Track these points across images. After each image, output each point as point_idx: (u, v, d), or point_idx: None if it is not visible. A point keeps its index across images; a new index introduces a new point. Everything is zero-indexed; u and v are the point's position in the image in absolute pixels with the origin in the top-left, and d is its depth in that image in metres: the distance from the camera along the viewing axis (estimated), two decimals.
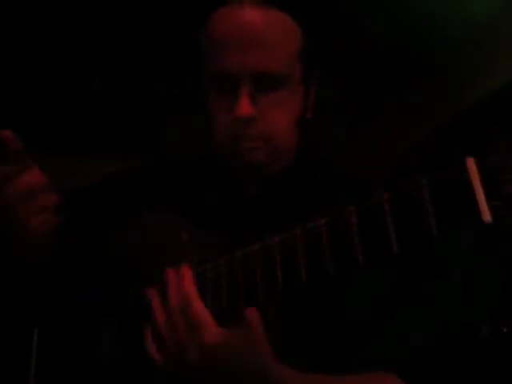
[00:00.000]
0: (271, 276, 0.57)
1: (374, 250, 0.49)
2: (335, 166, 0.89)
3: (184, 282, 0.62)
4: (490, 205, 0.42)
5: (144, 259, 0.73)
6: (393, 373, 0.67)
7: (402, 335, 0.69)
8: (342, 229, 0.52)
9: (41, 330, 0.78)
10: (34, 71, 2.68)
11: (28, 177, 0.68)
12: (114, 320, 0.74)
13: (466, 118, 2.57)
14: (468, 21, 2.48)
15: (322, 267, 0.53)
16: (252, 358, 0.59)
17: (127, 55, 2.61)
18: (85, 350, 0.76)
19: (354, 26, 2.49)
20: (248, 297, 0.60)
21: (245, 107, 0.73)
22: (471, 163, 0.44)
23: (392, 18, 2.45)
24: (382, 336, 0.69)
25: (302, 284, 0.55)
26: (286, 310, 0.69)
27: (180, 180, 0.88)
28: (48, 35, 2.43)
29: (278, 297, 0.58)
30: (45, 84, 2.79)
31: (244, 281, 0.60)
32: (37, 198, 0.68)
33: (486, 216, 0.42)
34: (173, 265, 0.66)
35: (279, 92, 0.76)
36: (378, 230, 0.49)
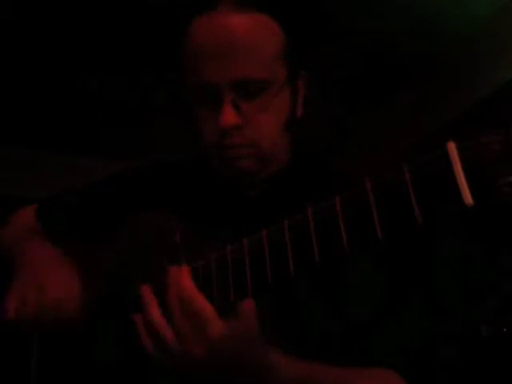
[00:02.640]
0: (260, 268, 0.58)
1: (360, 237, 0.50)
2: (334, 165, 0.89)
3: (183, 278, 0.62)
4: (472, 188, 0.42)
5: (140, 260, 0.73)
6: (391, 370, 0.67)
7: (402, 336, 0.69)
8: (328, 218, 0.52)
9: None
10: (33, 72, 2.68)
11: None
12: (113, 320, 0.74)
13: (465, 117, 2.57)
14: (468, 21, 2.48)
15: (309, 257, 0.53)
16: (250, 349, 0.59)
17: (126, 55, 2.61)
18: (84, 350, 0.76)
19: (354, 26, 2.49)
20: (237, 290, 0.60)
21: (228, 116, 0.72)
22: (452, 147, 0.44)
23: (392, 18, 2.45)
24: (381, 336, 0.69)
25: (290, 275, 0.55)
26: (279, 305, 0.69)
27: (179, 181, 0.88)
28: (42, 37, 2.43)
29: (267, 290, 0.58)
30: (45, 84, 2.79)
31: (233, 274, 0.60)
32: None
33: (468, 199, 0.42)
34: (168, 264, 0.66)
35: (263, 97, 0.74)
36: (362, 218, 0.49)
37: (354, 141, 3.45)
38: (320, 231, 0.53)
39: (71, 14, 2.31)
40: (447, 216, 0.44)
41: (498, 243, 1.92)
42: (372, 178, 0.49)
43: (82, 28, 2.40)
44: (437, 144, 0.45)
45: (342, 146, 3.43)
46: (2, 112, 2.96)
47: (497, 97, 2.41)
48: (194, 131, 0.80)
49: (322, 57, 2.51)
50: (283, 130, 0.78)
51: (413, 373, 0.67)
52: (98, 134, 3.29)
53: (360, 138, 3.42)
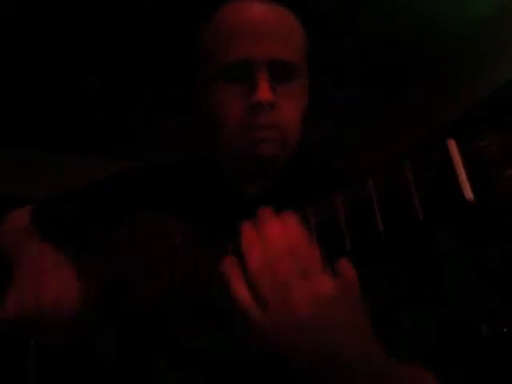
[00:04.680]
0: None
1: (362, 235, 0.49)
2: (335, 165, 0.89)
3: (296, 225, 0.54)
4: (473, 184, 0.42)
5: (140, 260, 0.73)
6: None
7: (402, 336, 0.69)
8: (330, 217, 0.52)
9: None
10: (33, 72, 2.68)
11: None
12: (112, 320, 0.74)
13: (465, 117, 2.57)
14: (468, 21, 2.49)
15: None
16: (356, 315, 0.53)
17: (126, 55, 2.61)
18: (83, 350, 0.76)
19: (354, 26, 2.49)
20: None
21: (265, 92, 0.73)
22: (452, 144, 0.44)
23: (392, 17, 2.45)
24: (381, 337, 0.69)
25: None
26: None
27: (179, 181, 0.88)
28: (42, 37, 2.43)
29: None
30: (45, 84, 2.79)
31: None
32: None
33: (469, 194, 0.42)
34: (164, 267, 0.66)
35: (292, 83, 0.77)
36: (365, 216, 0.49)
37: (354, 141, 3.45)
38: (321, 230, 0.53)
39: (71, 14, 2.31)
40: (449, 212, 0.44)
41: (499, 239, 1.92)
42: (374, 176, 0.50)
43: (82, 28, 2.40)
44: (437, 143, 0.45)
45: (342, 146, 3.43)
46: (2, 112, 2.96)
47: (497, 97, 2.41)
48: (211, 119, 0.80)
49: (322, 57, 2.51)
50: (300, 123, 0.80)
51: None
52: (98, 134, 3.29)
53: (360, 138, 3.42)
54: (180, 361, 0.66)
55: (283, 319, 0.51)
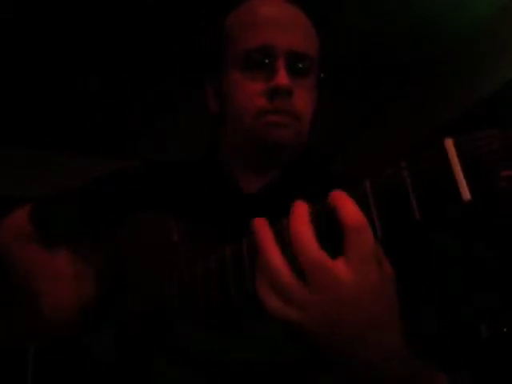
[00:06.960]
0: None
1: None
2: (335, 165, 0.89)
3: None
4: (470, 184, 0.42)
5: (139, 259, 0.73)
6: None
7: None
8: (327, 218, 0.51)
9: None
10: (33, 72, 2.68)
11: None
12: (112, 320, 0.74)
13: (465, 117, 2.57)
14: (468, 21, 2.49)
15: None
16: (391, 306, 0.52)
17: (126, 55, 2.61)
18: (83, 352, 0.76)
19: (354, 26, 2.49)
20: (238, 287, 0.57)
21: (284, 78, 0.76)
22: (449, 143, 0.44)
23: (392, 17, 2.45)
24: None
25: None
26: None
27: (178, 181, 0.88)
28: (42, 37, 2.43)
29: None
30: (45, 84, 2.79)
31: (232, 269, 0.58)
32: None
33: (466, 194, 0.42)
34: (164, 267, 0.66)
35: (307, 78, 0.80)
36: None
37: (354, 141, 3.45)
38: (319, 230, 0.52)
39: (71, 14, 2.31)
40: (446, 212, 0.44)
41: (497, 239, 1.91)
42: (372, 175, 0.49)
43: (81, 28, 2.40)
44: (436, 143, 0.45)
45: (342, 146, 3.43)
46: (2, 112, 2.96)
47: (497, 97, 2.41)
48: (229, 103, 0.81)
49: (322, 57, 2.51)
50: (311, 118, 0.82)
51: None
52: (98, 134, 3.29)
53: (360, 138, 3.42)
54: (180, 361, 0.66)
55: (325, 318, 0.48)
